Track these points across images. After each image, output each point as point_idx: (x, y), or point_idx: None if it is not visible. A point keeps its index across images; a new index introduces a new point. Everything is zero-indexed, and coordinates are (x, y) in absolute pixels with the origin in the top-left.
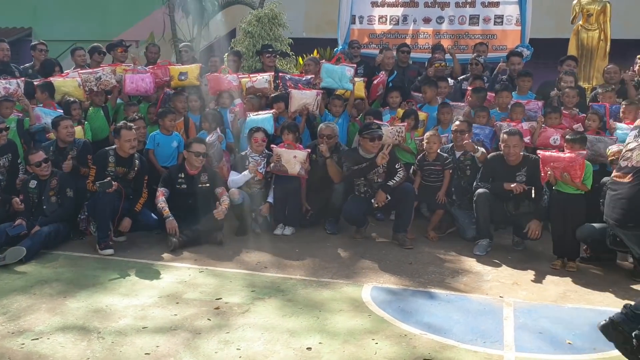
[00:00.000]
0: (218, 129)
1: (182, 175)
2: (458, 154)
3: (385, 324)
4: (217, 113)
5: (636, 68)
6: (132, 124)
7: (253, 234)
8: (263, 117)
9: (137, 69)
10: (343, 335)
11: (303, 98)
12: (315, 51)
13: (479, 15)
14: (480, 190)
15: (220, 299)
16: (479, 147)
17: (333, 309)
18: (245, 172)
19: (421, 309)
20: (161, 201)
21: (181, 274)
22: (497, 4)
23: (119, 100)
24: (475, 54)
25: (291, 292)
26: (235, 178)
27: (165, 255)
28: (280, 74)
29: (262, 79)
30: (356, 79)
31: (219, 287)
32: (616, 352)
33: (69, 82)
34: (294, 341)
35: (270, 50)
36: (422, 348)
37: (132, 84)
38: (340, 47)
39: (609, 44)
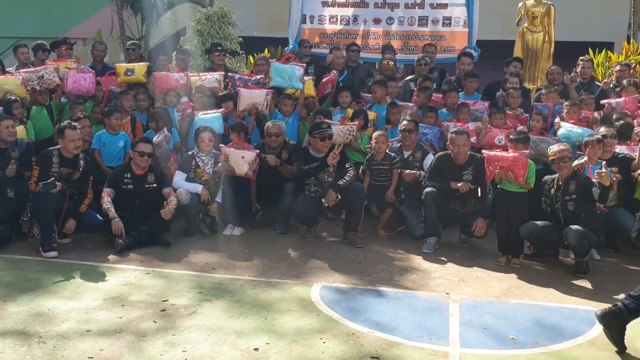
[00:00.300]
0: (165, 129)
1: (129, 176)
2: (406, 153)
3: (333, 323)
4: (164, 112)
5: (578, 69)
6: (76, 124)
7: (201, 235)
8: (211, 117)
9: (80, 67)
10: (291, 335)
11: (252, 97)
12: (267, 50)
13: (427, 16)
14: (428, 189)
15: (167, 300)
16: (421, 172)
17: (281, 309)
18: (197, 185)
19: (369, 307)
20: (107, 202)
21: (127, 276)
22: (445, 6)
23: (63, 99)
24: (422, 55)
25: (239, 293)
26: (182, 183)
27: (110, 257)
28: (229, 74)
29: (212, 78)
30: (306, 78)
31: (166, 288)
32: (557, 347)
33: (11, 79)
34: (241, 342)
35: (220, 48)
36: (370, 346)
37: (75, 83)
38: (291, 46)
39: (553, 45)
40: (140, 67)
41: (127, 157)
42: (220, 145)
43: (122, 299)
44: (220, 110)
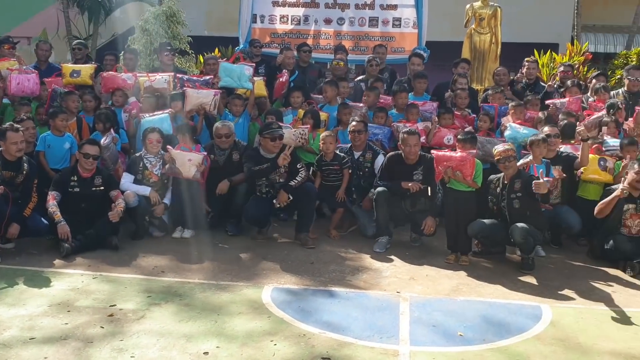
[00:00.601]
0: (112, 130)
1: (75, 178)
2: (357, 154)
3: (284, 325)
4: (111, 113)
5: (524, 70)
6: (18, 126)
7: (150, 238)
8: (159, 118)
9: (23, 68)
10: (241, 338)
11: (199, 97)
12: (217, 50)
13: (377, 17)
14: (379, 189)
15: (115, 305)
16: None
17: (232, 312)
18: (145, 188)
19: (321, 308)
20: (52, 205)
21: (73, 281)
22: (394, 7)
23: (5, 100)
24: (372, 55)
25: (189, 296)
26: (130, 186)
27: (56, 261)
28: (178, 75)
29: (162, 79)
30: (256, 78)
31: (114, 293)
32: (504, 343)
33: None
34: (191, 346)
35: (169, 48)
36: (321, 347)
37: (19, 85)
38: (241, 46)
39: (499, 47)
40: (87, 69)
41: (73, 159)
42: (168, 147)
43: (68, 304)
44: (167, 111)
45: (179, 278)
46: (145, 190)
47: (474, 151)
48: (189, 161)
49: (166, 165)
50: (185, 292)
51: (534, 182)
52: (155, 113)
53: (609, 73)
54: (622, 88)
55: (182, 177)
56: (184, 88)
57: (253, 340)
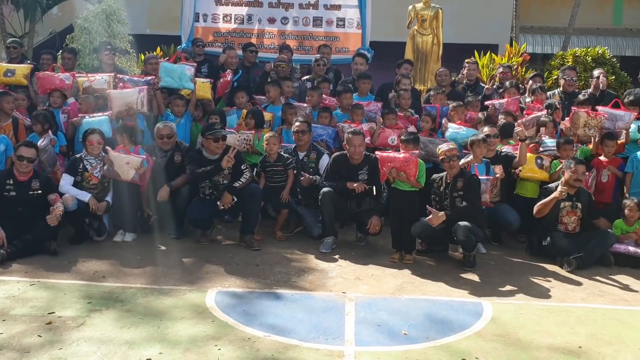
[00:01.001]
0: (50, 132)
1: (11, 182)
2: (302, 154)
3: (229, 329)
4: (49, 114)
5: (465, 71)
6: None
7: (90, 242)
8: (99, 119)
9: None
10: (185, 344)
11: (123, 98)
12: (159, 48)
13: (322, 17)
14: (325, 190)
15: (53, 313)
16: (316, 177)
17: (175, 317)
18: (85, 194)
19: (266, 311)
20: None
21: (9, 289)
22: (338, 7)
23: None
24: (320, 55)
25: (130, 301)
26: (70, 189)
27: None
28: (119, 75)
29: (102, 79)
30: (203, 80)
31: (52, 300)
32: (446, 340)
33: None
34: (133, 353)
35: (109, 47)
36: (266, 350)
37: None
38: (183, 45)
39: (441, 48)
40: (22, 69)
41: (9, 161)
42: (107, 148)
43: (4, 313)
44: (107, 113)
45: (121, 283)
46: (84, 196)
47: (417, 151)
48: (127, 164)
49: (107, 167)
50: (127, 298)
51: (428, 208)
52: (95, 114)
53: (545, 74)
54: (559, 88)
55: (120, 179)
56: (107, 91)
57: (197, 345)
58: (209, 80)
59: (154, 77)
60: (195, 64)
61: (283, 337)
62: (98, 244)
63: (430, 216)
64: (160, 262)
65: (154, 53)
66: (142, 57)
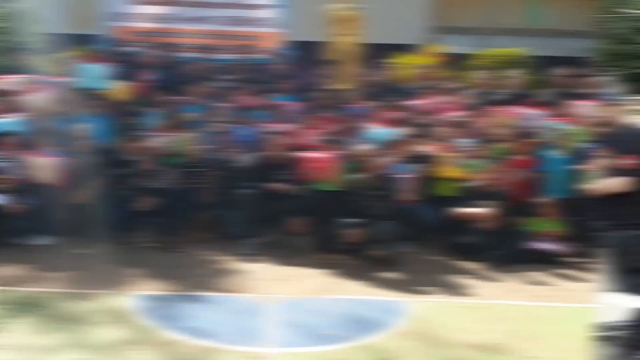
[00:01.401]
0: None
1: None
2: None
3: (149, 333)
4: None
5: (384, 72)
6: None
7: (5, 245)
8: (12, 121)
9: None
10: (104, 349)
11: (39, 99)
12: (76, 48)
13: (241, 16)
14: (248, 191)
15: None
16: None
17: (94, 321)
18: None
19: (187, 314)
20: None
21: None
22: (257, 7)
23: None
24: (241, 55)
25: (48, 306)
26: None
27: None
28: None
29: (15, 80)
30: (119, 82)
31: None
32: (367, 339)
33: None
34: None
35: (24, 47)
36: (187, 354)
37: None
38: (102, 44)
39: (361, 48)
40: None
41: None
42: (24, 150)
43: None
44: (21, 114)
45: (38, 287)
46: None
47: (340, 152)
48: (44, 166)
49: (22, 169)
50: (45, 303)
51: None
52: (7, 115)
53: (463, 74)
54: (476, 88)
55: (38, 181)
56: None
57: (116, 350)
58: (127, 81)
59: (69, 77)
60: (114, 64)
61: (204, 340)
62: (13, 247)
63: None
64: (79, 266)
65: (71, 53)
66: (59, 57)
